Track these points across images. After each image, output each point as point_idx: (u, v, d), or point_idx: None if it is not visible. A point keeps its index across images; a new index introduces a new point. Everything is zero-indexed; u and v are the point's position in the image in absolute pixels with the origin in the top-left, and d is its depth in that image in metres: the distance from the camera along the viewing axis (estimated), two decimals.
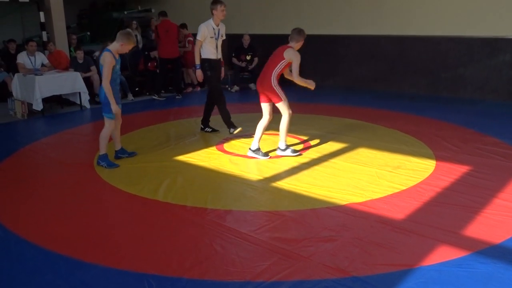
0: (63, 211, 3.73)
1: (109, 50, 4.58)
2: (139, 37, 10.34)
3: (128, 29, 4.93)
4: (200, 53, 5.69)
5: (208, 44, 5.64)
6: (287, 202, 3.80)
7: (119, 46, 4.61)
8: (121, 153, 5.01)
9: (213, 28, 5.61)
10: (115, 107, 4.63)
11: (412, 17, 8.60)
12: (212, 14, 5.61)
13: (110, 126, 4.74)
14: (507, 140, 5.40)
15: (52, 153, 5.36)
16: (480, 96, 8.11)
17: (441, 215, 3.47)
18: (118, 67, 4.70)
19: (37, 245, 3.14)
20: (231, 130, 5.84)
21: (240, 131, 5.83)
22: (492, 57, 7.92)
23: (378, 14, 9.01)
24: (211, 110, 6.04)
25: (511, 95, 7.82)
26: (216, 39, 5.66)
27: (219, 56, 5.83)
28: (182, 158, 5.02)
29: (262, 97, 4.92)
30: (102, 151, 4.76)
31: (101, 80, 8.42)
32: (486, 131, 5.85)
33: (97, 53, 9.45)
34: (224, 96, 5.93)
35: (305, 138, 5.72)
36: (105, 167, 4.70)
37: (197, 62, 5.70)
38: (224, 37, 5.84)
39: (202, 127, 6.10)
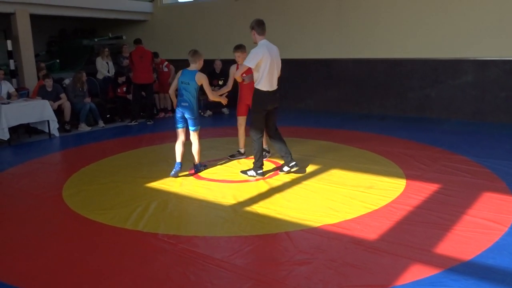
0: (30, 244, 3.59)
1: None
2: (110, 64, 10.31)
3: (193, 49, 5.12)
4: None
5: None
6: (260, 226, 3.77)
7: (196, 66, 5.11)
8: (178, 166, 5.24)
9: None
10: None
11: (379, 41, 8.90)
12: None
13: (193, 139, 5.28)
14: (473, 158, 5.57)
15: (19, 184, 5.19)
16: (446, 116, 8.38)
17: (413, 233, 3.51)
18: (180, 80, 5.09)
19: (2, 282, 2.99)
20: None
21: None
22: (455, 78, 8.23)
23: (346, 38, 9.29)
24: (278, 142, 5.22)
25: (475, 114, 8.12)
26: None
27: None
28: (154, 184, 4.94)
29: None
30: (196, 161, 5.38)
31: (72, 107, 8.31)
32: (453, 149, 6.02)
33: (66, 81, 9.33)
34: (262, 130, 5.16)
35: (279, 161, 5.75)
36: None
37: None
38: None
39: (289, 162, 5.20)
